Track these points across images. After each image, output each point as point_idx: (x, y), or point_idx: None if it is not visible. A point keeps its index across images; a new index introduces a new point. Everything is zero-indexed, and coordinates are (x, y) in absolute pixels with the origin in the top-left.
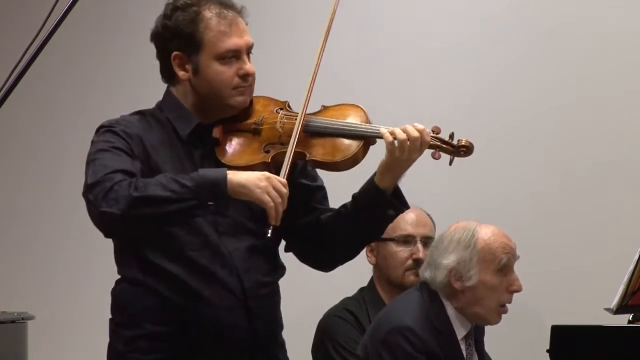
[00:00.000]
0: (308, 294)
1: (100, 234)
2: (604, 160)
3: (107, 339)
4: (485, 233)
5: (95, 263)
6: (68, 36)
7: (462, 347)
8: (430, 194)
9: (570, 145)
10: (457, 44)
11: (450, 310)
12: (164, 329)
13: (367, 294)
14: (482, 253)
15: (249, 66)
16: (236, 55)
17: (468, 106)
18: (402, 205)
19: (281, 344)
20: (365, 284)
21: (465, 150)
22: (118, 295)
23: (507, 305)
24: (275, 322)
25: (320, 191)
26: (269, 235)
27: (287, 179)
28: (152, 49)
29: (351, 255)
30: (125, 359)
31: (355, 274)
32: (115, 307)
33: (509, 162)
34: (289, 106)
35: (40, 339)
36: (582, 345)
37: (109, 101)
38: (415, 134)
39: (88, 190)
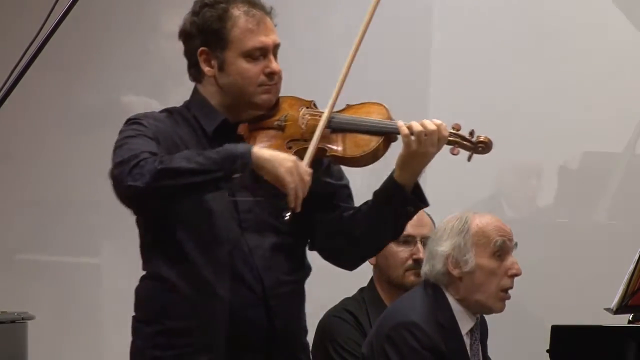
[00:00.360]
0: (308, 295)
1: (102, 236)
2: (603, 159)
3: (107, 339)
4: (479, 219)
5: (96, 263)
6: (69, 36)
7: (467, 341)
8: (430, 194)
9: (570, 145)
10: (457, 44)
11: (454, 305)
12: (182, 324)
13: (367, 294)
14: (476, 237)
15: (275, 65)
16: (263, 53)
17: (467, 106)
18: (421, 202)
19: (303, 346)
20: (365, 284)
21: (483, 146)
22: (140, 292)
23: (510, 292)
24: (296, 323)
25: (344, 190)
26: (286, 218)
27: None
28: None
29: (373, 252)
30: (144, 355)
31: (355, 274)
32: (137, 303)
33: (509, 162)
34: (314, 105)
35: (40, 339)
36: (582, 345)
37: (108, 102)
38: (432, 127)
39: (114, 168)
